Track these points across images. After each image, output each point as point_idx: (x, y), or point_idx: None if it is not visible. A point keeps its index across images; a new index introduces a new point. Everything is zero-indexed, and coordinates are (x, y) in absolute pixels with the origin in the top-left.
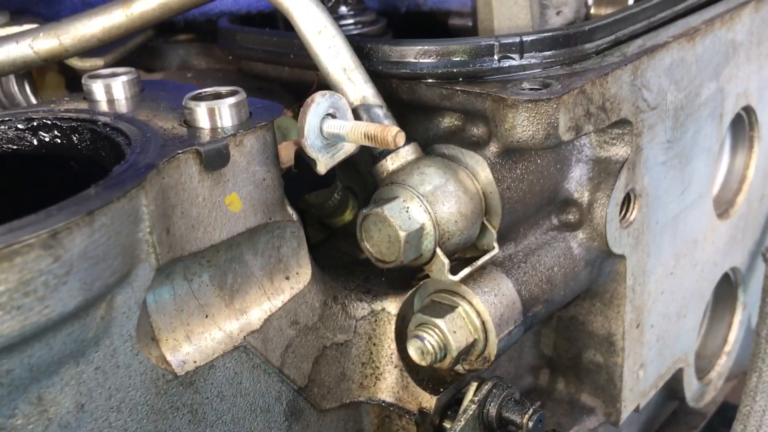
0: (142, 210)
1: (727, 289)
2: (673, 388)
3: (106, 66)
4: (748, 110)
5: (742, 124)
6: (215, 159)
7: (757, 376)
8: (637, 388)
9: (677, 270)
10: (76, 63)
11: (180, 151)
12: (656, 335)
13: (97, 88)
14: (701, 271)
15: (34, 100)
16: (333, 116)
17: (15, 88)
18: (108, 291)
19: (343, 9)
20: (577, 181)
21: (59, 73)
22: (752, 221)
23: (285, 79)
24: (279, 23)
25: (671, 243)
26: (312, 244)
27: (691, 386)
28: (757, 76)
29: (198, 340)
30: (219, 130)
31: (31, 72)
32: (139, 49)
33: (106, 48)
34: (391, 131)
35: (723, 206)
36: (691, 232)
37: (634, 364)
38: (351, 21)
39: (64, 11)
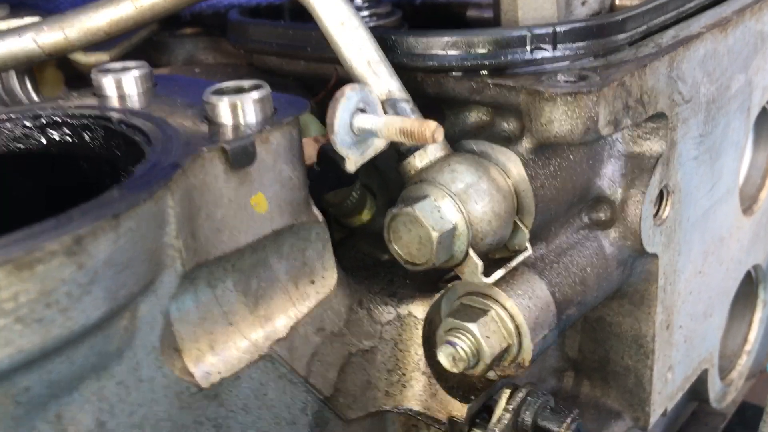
0: (168, 212)
1: (747, 287)
2: (695, 389)
3: (111, 61)
4: None
5: (765, 118)
6: (241, 157)
7: None
8: (666, 391)
9: (705, 268)
10: (81, 58)
11: (205, 149)
12: (684, 336)
13: (108, 82)
14: (727, 269)
15: (35, 97)
16: (363, 111)
17: (16, 85)
18: (132, 300)
19: (358, 1)
20: (609, 177)
21: (58, 69)
22: None
23: (300, 74)
24: (285, 15)
25: (700, 240)
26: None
27: (715, 387)
28: None
29: (222, 350)
30: (243, 126)
31: (32, 68)
32: (143, 43)
33: (111, 42)
34: (429, 126)
35: (746, 202)
36: (719, 229)
37: (663, 366)
38: (366, 13)
39: (64, 4)
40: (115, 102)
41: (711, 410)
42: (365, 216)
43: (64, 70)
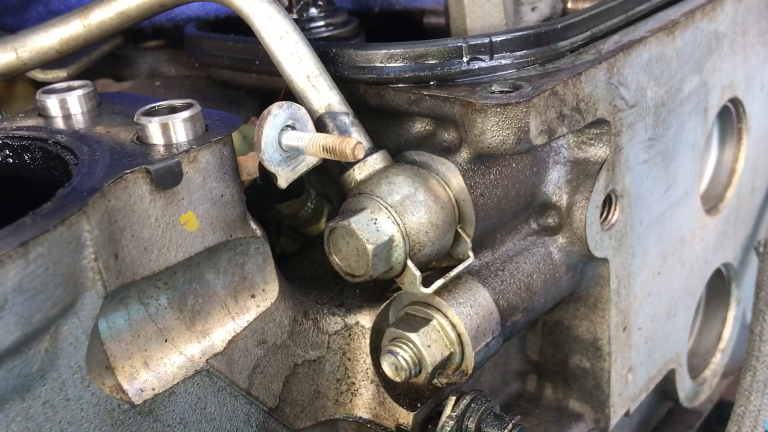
0: (85, 236)
1: (720, 286)
2: (666, 389)
3: (69, 77)
4: (735, 102)
5: (730, 117)
6: (167, 178)
7: (752, 375)
8: (626, 392)
9: (665, 270)
10: (38, 75)
11: (128, 171)
12: (645, 338)
13: (52, 103)
14: (690, 269)
15: None
16: (293, 127)
17: None
18: (50, 323)
19: (313, 11)
20: (555, 183)
21: (29, 84)
22: (743, 215)
23: (253, 86)
24: (243, 28)
25: (657, 243)
26: (287, 255)
27: (684, 386)
28: (743, 67)
29: (157, 366)
30: (173, 146)
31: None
32: (107, 57)
33: (70, 58)
34: (349, 143)
35: (712, 201)
36: (678, 231)
37: (622, 368)
38: (321, 23)
39: (31, 21)
40: (60, 122)
41: (687, 409)
42: (323, 224)
43: (36, 85)
